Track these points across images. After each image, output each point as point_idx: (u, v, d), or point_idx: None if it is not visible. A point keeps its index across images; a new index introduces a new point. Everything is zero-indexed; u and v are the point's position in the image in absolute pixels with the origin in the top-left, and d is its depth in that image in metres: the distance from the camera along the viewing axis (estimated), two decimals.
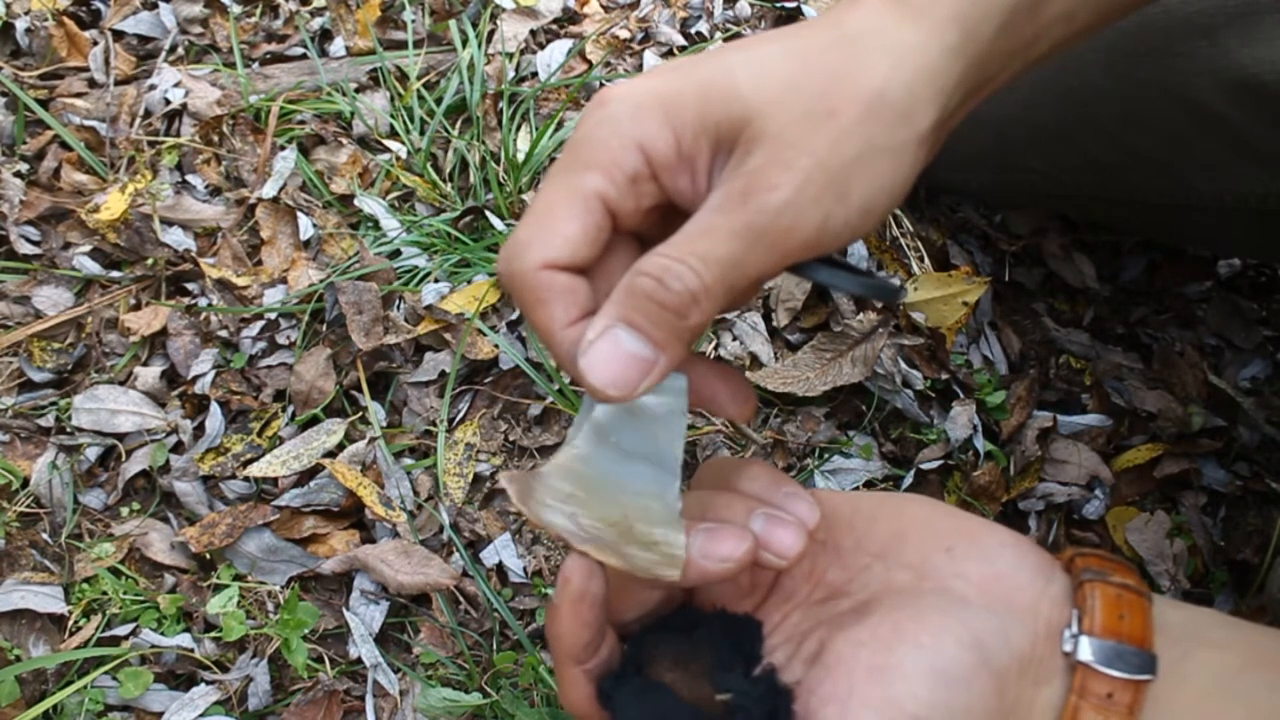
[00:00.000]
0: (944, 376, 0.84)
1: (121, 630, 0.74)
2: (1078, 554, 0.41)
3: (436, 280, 0.90)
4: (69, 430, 0.83)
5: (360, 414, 0.84)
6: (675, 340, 0.36)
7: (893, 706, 0.35)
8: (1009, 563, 0.40)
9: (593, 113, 0.38)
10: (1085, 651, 0.37)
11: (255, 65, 1.06)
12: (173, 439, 0.83)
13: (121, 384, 0.85)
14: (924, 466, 0.80)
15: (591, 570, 0.38)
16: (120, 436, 0.83)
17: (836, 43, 0.37)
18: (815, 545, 0.41)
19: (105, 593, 0.75)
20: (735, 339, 0.86)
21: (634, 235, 0.40)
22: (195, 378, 0.85)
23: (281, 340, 0.88)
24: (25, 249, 0.91)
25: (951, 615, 0.37)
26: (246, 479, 0.81)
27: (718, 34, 1.08)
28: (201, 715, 0.71)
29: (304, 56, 1.07)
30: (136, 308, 0.90)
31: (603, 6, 1.12)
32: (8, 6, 1.06)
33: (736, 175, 0.36)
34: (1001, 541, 0.41)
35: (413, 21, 1.08)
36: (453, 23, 1.07)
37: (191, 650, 0.74)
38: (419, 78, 1.03)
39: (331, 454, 0.82)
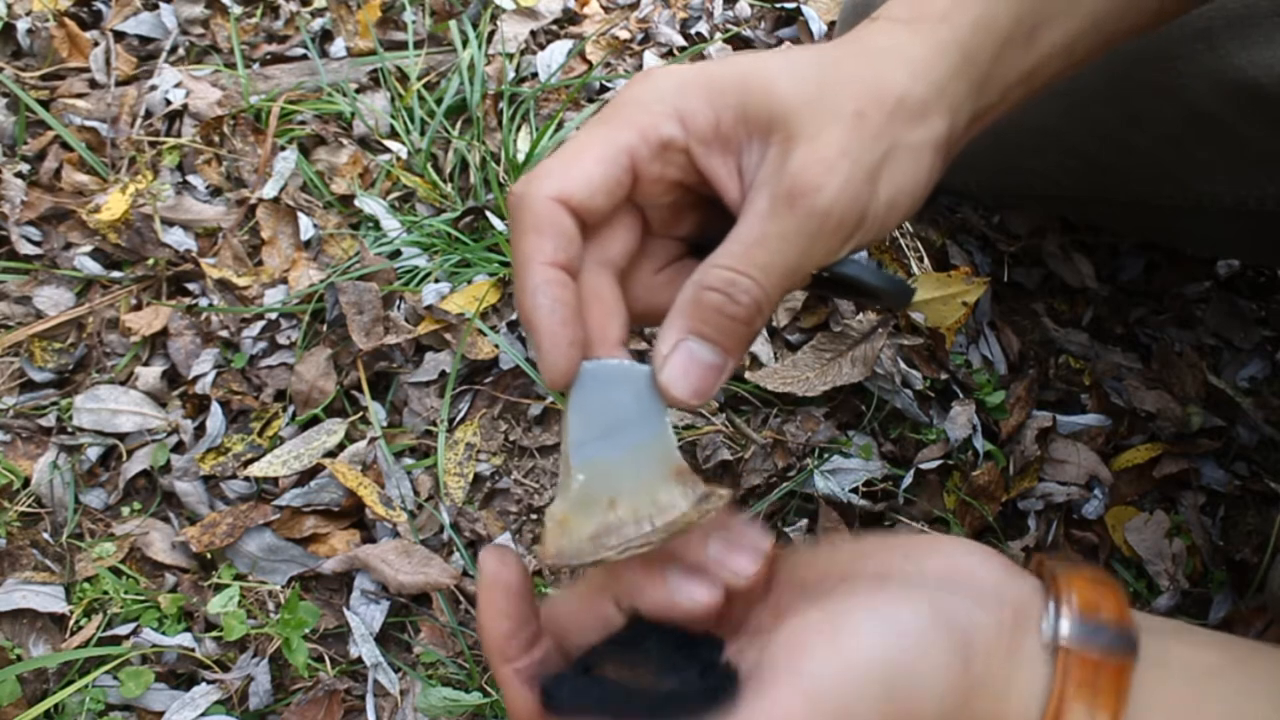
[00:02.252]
0: (943, 376, 0.84)
1: (122, 630, 0.74)
2: (1044, 558, 0.41)
3: (437, 280, 0.90)
4: (70, 430, 0.83)
5: (361, 414, 0.84)
6: (742, 345, 0.39)
7: (841, 657, 0.35)
8: (972, 560, 0.40)
9: (638, 81, 0.40)
10: (1065, 631, 0.37)
11: (256, 66, 1.06)
12: (174, 439, 0.83)
13: (122, 384, 0.85)
14: (923, 466, 0.80)
15: (504, 558, 0.38)
16: (121, 436, 0.83)
17: (859, 54, 0.40)
18: (782, 581, 0.41)
19: (106, 592, 0.75)
20: None
21: (640, 213, 0.42)
22: (196, 378, 0.85)
23: (282, 340, 0.88)
24: (26, 249, 0.91)
25: (911, 588, 0.37)
26: (247, 479, 0.81)
27: (718, 34, 1.09)
28: (202, 714, 0.71)
29: (305, 57, 1.07)
30: (137, 308, 0.90)
31: (603, 7, 1.13)
32: (9, 7, 1.06)
33: (781, 177, 0.38)
34: (967, 549, 0.41)
35: (413, 22, 1.08)
36: (453, 23, 1.07)
37: (192, 650, 0.74)
38: (419, 78, 1.03)
39: (332, 454, 0.82)
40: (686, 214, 0.43)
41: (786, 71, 0.39)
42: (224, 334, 0.87)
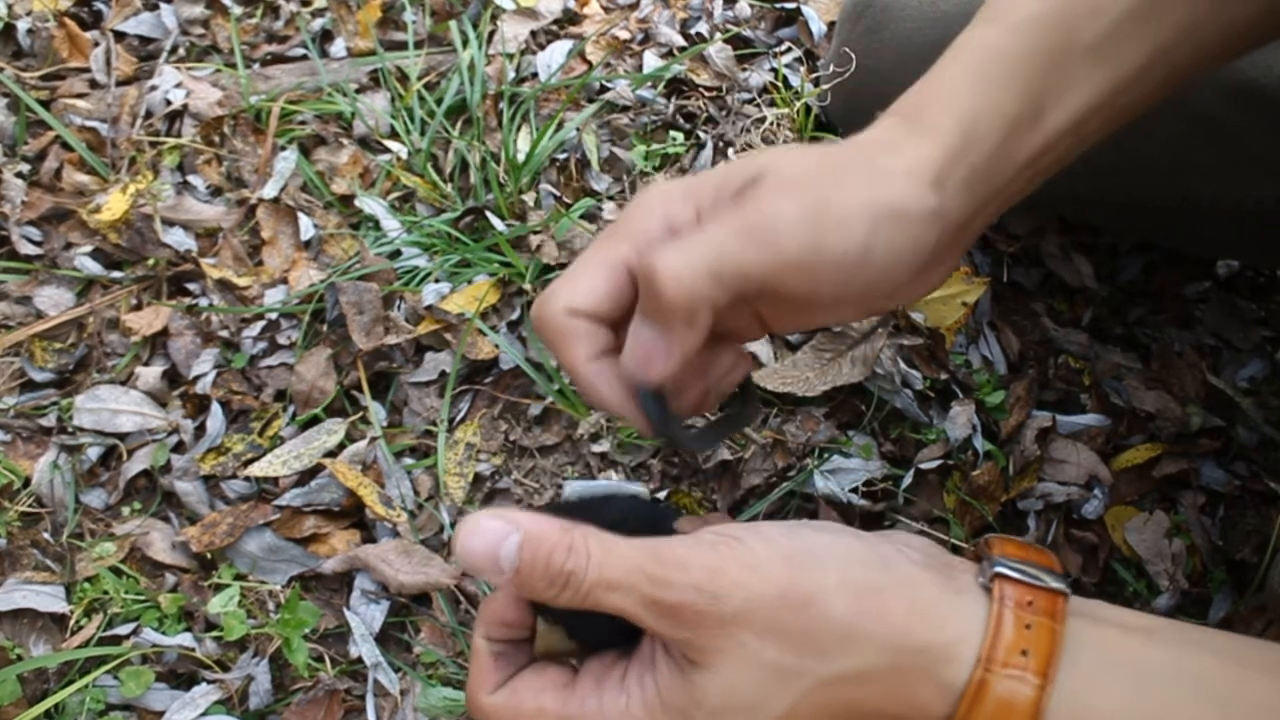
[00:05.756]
0: (943, 376, 0.84)
1: (123, 629, 0.74)
2: (985, 539, 0.43)
3: (437, 280, 0.90)
4: (70, 430, 0.83)
5: (361, 414, 0.84)
6: (672, 319, 0.40)
7: (760, 532, 0.40)
8: (911, 537, 0.42)
9: (633, 199, 0.44)
10: (999, 568, 0.39)
11: (256, 66, 1.06)
12: (174, 439, 0.83)
13: (123, 384, 0.85)
14: (923, 466, 0.80)
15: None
16: (121, 436, 0.83)
17: (848, 146, 0.42)
18: None
19: (106, 592, 0.75)
20: None
21: None
22: (196, 378, 0.86)
23: (282, 340, 0.88)
24: (27, 249, 0.91)
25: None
26: (247, 479, 0.81)
27: (718, 34, 1.09)
28: (202, 714, 0.71)
29: (305, 57, 1.07)
30: (138, 308, 0.90)
31: (603, 7, 1.13)
32: (9, 7, 1.06)
33: (740, 193, 0.40)
34: (909, 535, 0.43)
35: (413, 22, 1.08)
36: (453, 23, 1.07)
37: (192, 649, 0.74)
38: (419, 78, 1.03)
39: (332, 454, 0.82)
40: None
41: (770, 155, 0.42)
42: (224, 334, 0.87)
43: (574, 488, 0.42)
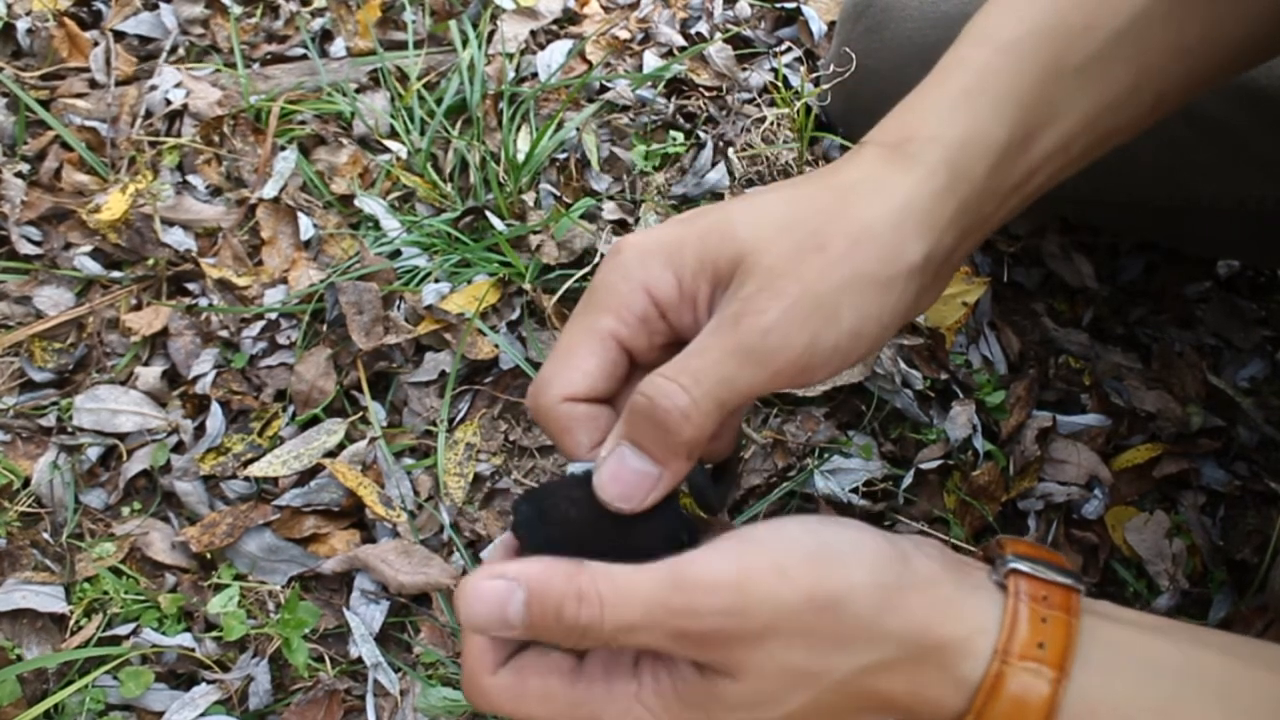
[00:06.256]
0: (943, 376, 0.84)
1: (122, 630, 0.74)
2: (992, 541, 0.43)
3: (437, 280, 0.90)
4: (70, 430, 0.83)
5: (360, 414, 0.84)
6: (673, 455, 0.38)
7: (775, 529, 0.39)
8: (921, 539, 0.42)
9: (607, 261, 0.42)
10: (1013, 564, 0.38)
11: (256, 66, 1.06)
12: (173, 439, 0.83)
13: (122, 384, 0.85)
14: (923, 466, 0.80)
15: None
16: (121, 436, 0.83)
17: (829, 189, 0.41)
18: None
19: (106, 592, 0.75)
20: None
21: (654, 367, 0.43)
22: (196, 378, 0.85)
23: (282, 340, 0.88)
24: (26, 249, 0.91)
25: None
26: (247, 479, 0.81)
27: (718, 34, 1.09)
28: (202, 715, 0.71)
29: (304, 57, 1.07)
30: (137, 308, 0.90)
31: (603, 7, 1.13)
32: (9, 7, 1.06)
33: (731, 302, 0.39)
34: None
35: (413, 22, 1.08)
36: (453, 23, 1.07)
37: (192, 650, 0.74)
38: (419, 78, 1.03)
39: (332, 454, 0.82)
40: None
41: (748, 216, 0.40)
42: (224, 334, 0.87)
43: (576, 468, 0.41)
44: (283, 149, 0.99)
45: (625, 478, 0.39)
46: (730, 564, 0.36)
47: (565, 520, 0.39)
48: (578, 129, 0.99)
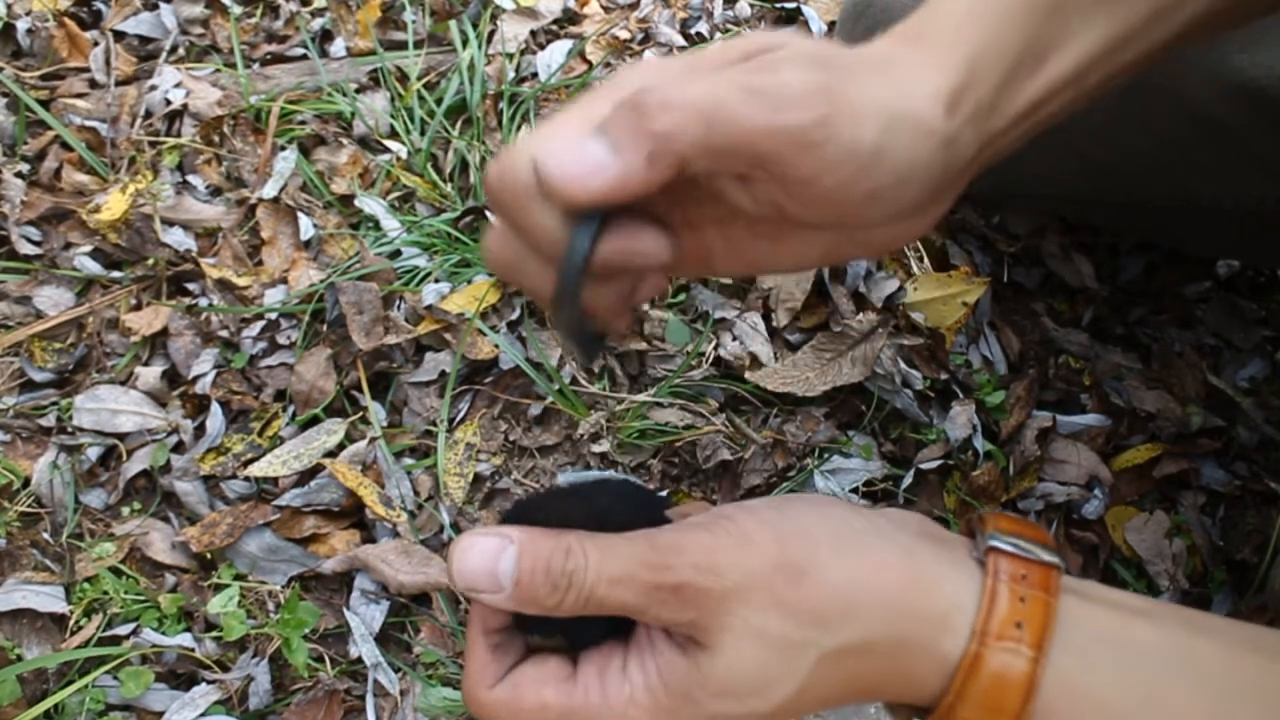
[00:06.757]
0: (943, 376, 0.84)
1: (122, 630, 0.74)
2: (974, 515, 0.43)
3: (437, 280, 0.90)
4: (70, 430, 0.83)
5: (360, 414, 0.84)
6: (634, 145, 0.33)
7: (771, 505, 0.39)
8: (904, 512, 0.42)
9: (624, 67, 0.40)
10: (992, 542, 0.38)
11: (256, 66, 1.06)
12: (173, 439, 0.83)
13: (122, 384, 0.85)
14: (923, 466, 0.80)
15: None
16: (121, 436, 0.83)
17: (859, 54, 0.38)
18: None
19: (106, 592, 0.75)
20: (735, 339, 0.86)
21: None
22: (196, 378, 0.85)
23: (282, 340, 0.88)
24: (26, 249, 0.91)
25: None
26: (247, 479, 0.81)
27: (718, 34, 1.09)
28: (202, 715, 0.71)
29: (304, 57, 1.07)
30: (137, 308, 0.90)
31: (603, 7, 1.13)
32: (9, 7, 1.06)
33: (747, 56, 0.36)
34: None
35: (413, 22, 1.08)
36: (453, 23, 1.07)
37: (192, 650, 0.74)
38: (419, 78, 1.03)
39: (332, 454, 0.82)
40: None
41: (787, 37, 0.37)
42: (224, 334, 0.87)
43: (567, 477, 0.41)
44: (283, 149, 0.99)
45: (573, 151, 0.33)
46: (701, 533, 0.37)
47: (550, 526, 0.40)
48: None
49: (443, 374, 0.86)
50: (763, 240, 0.40)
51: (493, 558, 0.37)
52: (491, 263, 0.39)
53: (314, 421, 0.84)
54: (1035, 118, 0.42)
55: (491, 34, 1.07)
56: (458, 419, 0.85)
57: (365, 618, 0.75)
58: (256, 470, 0.81)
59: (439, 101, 1.01)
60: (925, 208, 0.39)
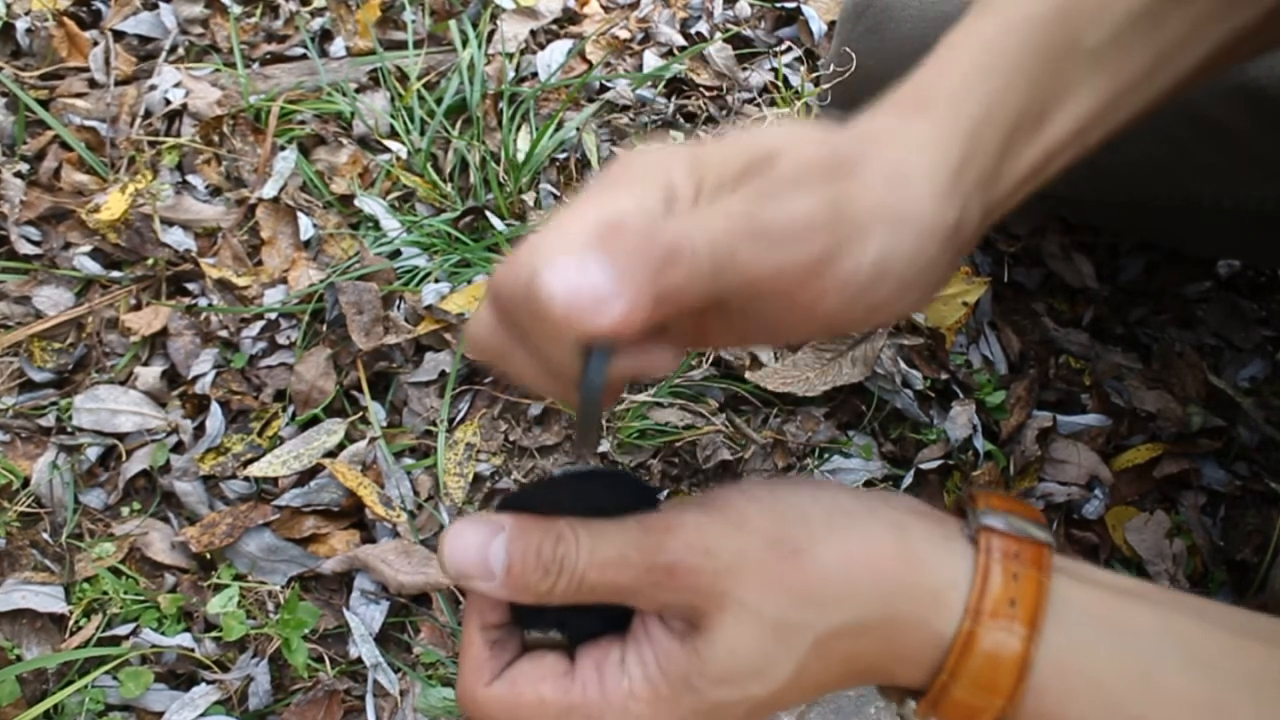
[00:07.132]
0: (944, 376, 0.84)
1: (122, 630, 0.74)
2: (966, 492, 0.42)
3: (437, 280, 0.90)
4: (69, 430, 0.83)
5: (360, 414, 0.84)
6: (638, 272, 0.31)
7: (770, 488, 0.39)
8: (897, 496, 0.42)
9: (628, 155, 0.37)
10: (984, 520, 0.38)
11: (255, 65, 1.06)
12: (173, 439, 0.83)
13: (122, 384, 0.85)
14: (923, 466, 0.80)
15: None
16: (121, 436, 0.83)
17: (859, 137, 0.38)
18: None
19: (106, 592, 0.75)
20: None
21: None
22: (196, 378, 0.85)
23: (282, 340, 0.88)
24: (26, 249, 0.91)
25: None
26: (247, 479, 0.81)
27: (718, 34, 1.09)
28: (202, 715, 0.71)
29: (304, 57, 1.07)
30: (137, 308, 0.90)
31: (603, 7, 1.13)
32: (8, 7, 1.06)
33: (753, 179, 0.35)
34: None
35: (413, 22, 1.08)
36: (453, 23, 1.07)
37: (192, 650, 0.74)
38: (419, 78, 1.03)
39: (332, 454, 0.82)
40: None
41: (779, 129, 0.37)
42: (224, 334, 0.87)
43: (560, 470, 0.40)
44: (282, 149, 0.99)
45: (574, 277, 0.31)
46: (694, 513, 0.37)
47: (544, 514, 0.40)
48: (578, 129, 0.99)
49: (443, 374, 0.86)
50: (764, 328, 0.39)
51: (484, 544, 0.36)
52: (475, 348, 0.38)
53: (314, 421, 0.84)
54: (1037, 180, 0.42)
55: (491, 34, 1.07)
56: (458, 419, 0.85)
57: (365, 618, 0.75)
58: (256, 470, 0.81)
59: (439, 101, 1.01)
60: (931, 289, 0.40)
